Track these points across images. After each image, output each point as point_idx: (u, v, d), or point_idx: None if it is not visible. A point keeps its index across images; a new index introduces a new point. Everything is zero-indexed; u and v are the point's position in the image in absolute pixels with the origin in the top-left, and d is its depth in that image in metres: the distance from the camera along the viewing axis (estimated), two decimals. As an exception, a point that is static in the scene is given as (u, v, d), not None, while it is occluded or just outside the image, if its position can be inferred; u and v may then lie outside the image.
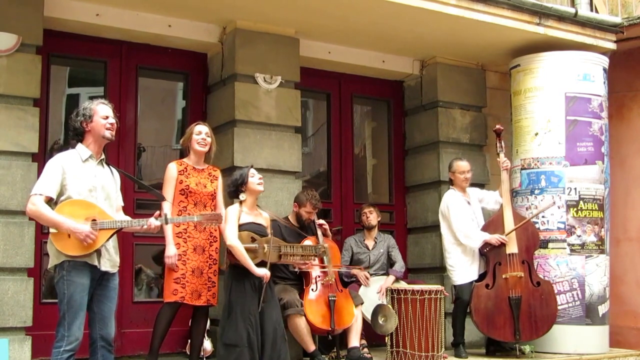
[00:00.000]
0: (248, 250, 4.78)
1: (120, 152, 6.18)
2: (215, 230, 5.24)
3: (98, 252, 4.01)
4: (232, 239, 4.79)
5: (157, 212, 4.34)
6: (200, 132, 5.25)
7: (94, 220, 3.95)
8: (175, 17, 6.19)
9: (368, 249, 6.46)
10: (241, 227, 4.89)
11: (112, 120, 4.15)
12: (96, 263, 4.01)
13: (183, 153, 5.46)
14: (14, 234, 5.18)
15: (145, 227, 4.15)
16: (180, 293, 4.99)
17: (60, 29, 5.91)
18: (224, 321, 4.82)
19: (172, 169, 5.18)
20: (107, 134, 4.14)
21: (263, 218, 5.10)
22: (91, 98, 4.51)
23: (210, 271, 5.16)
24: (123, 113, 6.27)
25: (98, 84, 6.41)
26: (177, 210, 5.09)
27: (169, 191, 5.10)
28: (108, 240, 4.03)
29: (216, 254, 5.24)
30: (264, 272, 4.75)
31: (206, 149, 5.25)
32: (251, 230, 4.90)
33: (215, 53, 6.53)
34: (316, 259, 5.41)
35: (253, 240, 4.84)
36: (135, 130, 6.29)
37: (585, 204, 6.61)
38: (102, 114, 4.13)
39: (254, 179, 5.03)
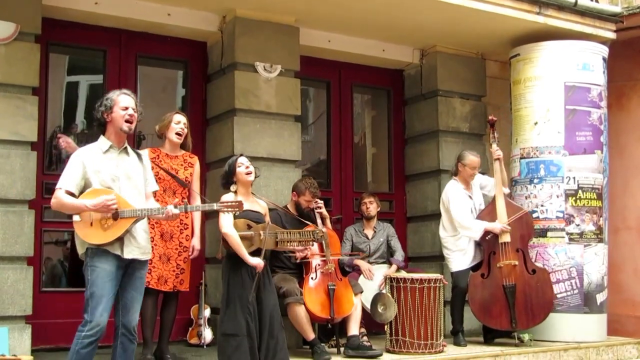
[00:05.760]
0: (244, 237, 4.66)
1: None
2: (187, 218, 5.20)
3: (121, 241, 3.94)
4: (227, 227, 4.64)
5: (177, 200, 4.30)
6: (179, 122, 5.25)
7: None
8: (174, 5, 6.16)
9: (368, 238, 6.47)
10: (238, 215, 4.74)
11: (131, 111, 4.05)
12: (118, 252, 3.94)
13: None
14: (13, 222, 5.18)
15: (163, 216, 4.07)
16: (146, 278, 4.97)
17: (59, 17, 5.89)
18: (222, 311, 4.72)
19: (144, 156, 5.12)
20: (125, 127, 4.04)
21: (260, 206, 4.98)
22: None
23: (179, 258, 5.13)
24: (123, 101, 6.28)
25: (97, 72, 6.40)
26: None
27: None
28: (130, 228, 3.95)
29: (187, 241, 5.20)
30: (257, 262, 4.63)
31: (181, 140, 5.26)
32: (248, 217, 4.77)
33: (215, 42, 6.52)
34: (315, 244, 5.37)
35: (249, 227, 4.72)
36: (135, 118, 6.27)
37: (584, 193, 6.62)
38: (122, 104, 4.04)
39: (242, 169, 4.85)
